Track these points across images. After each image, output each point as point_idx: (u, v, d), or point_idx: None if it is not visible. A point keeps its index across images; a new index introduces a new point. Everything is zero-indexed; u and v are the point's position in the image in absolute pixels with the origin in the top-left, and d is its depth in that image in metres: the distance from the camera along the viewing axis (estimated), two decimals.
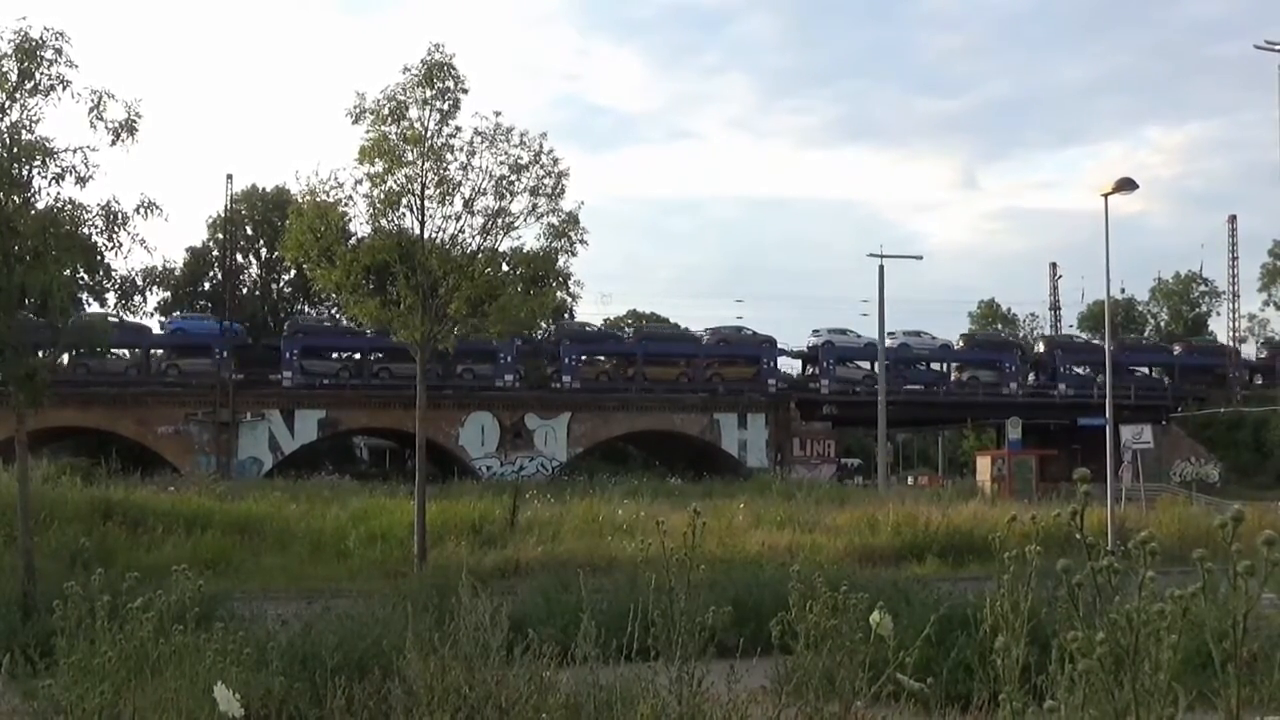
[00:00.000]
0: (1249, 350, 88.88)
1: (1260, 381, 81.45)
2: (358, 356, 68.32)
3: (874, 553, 28.79)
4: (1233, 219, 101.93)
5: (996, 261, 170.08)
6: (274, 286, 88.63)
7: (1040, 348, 79.30)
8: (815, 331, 75.08)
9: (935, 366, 77.81)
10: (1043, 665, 3.91)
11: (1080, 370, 76.44)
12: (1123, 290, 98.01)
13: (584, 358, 69.99)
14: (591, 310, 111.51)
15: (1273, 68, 37.90)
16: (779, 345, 73.77)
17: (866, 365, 72.03)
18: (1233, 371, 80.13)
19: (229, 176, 76.14)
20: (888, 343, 67.84)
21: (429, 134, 24.42)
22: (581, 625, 6.55)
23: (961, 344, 78.72)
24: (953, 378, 76.14)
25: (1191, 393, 75.27)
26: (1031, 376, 77.64)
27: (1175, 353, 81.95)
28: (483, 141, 24.84)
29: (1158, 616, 2.99)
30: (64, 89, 19.08)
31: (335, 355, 69.41)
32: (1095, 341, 77.53)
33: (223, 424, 61.30)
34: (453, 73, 24.59)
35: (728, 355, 72.09)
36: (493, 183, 24.90)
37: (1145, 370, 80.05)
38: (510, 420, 65.53)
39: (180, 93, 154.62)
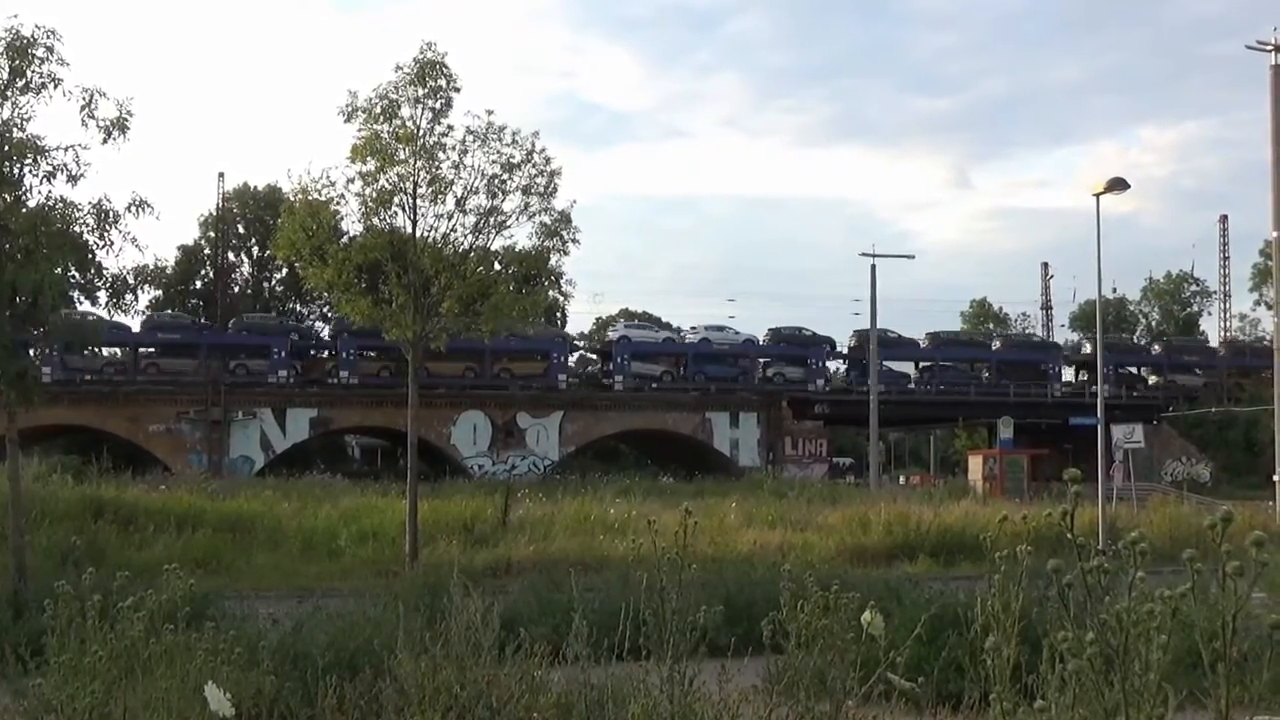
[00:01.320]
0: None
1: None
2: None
3: (865, 552, 28.77)
4: (1224, 219, 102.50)
5: (989, 261, 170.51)
6: (266, 285, 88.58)
7: (853, 342, 76.31)
8: (613, 326, 76.41)
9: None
10: (1033, 665, 3.91)
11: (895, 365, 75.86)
12: (1114, 290, 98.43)
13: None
14: (584, 309, 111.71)
15: (1265, 67, 37.93)
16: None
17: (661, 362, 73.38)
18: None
19: (221, 175, 76.76)
20: (690, 338, 70.56)
21: (421, 133, 24.44)
22: (573, 624, 6.55)
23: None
24: (759, 374, 74.60)
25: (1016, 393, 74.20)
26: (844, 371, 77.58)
27: (995, 346, 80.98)
28: (475, 140, 24.87)
29: (1148, 616, 2.99)
30: (55, 87, 19.04)
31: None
32: (907, 336, 76.87)
33: (214, 422, 61.26)
34: (445, 71, 24.61)
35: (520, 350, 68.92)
36: (485, 181, 24.93)
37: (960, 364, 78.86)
38: (502, 419, 65.53)
39: (172, 90, 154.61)
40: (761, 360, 74.78)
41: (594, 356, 76.63)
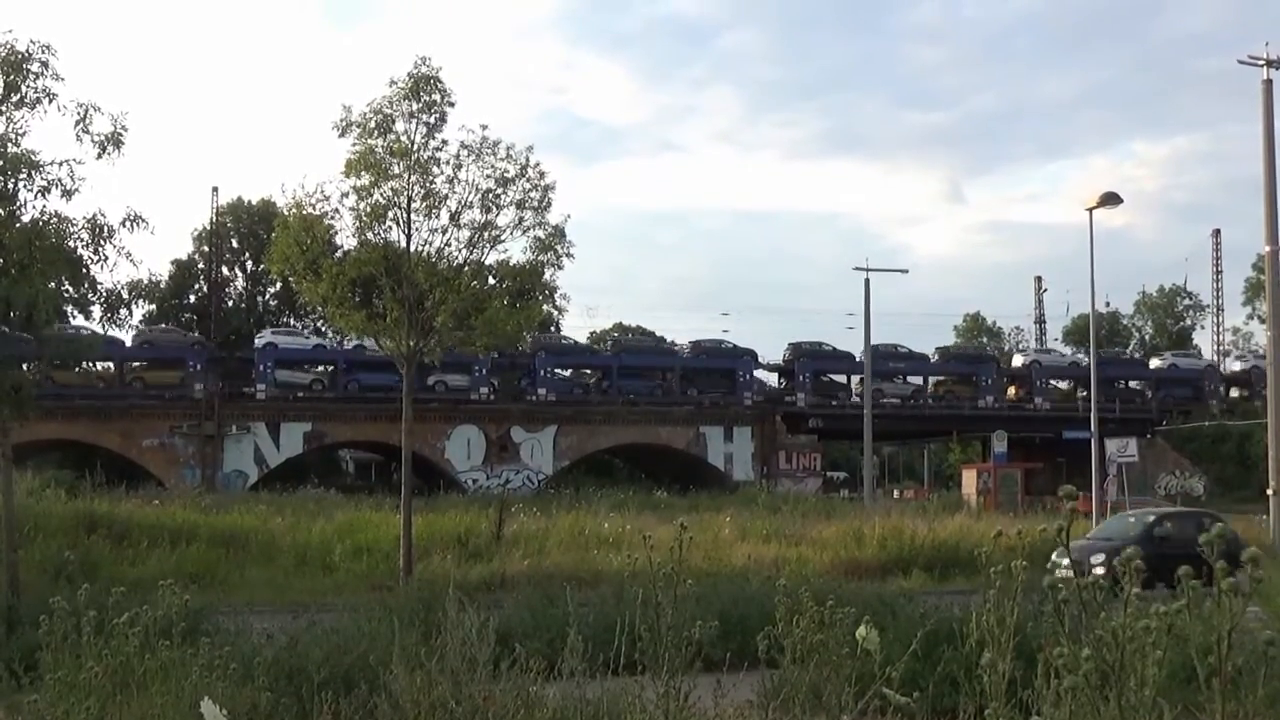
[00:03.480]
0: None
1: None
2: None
3: (860, 566, 28.76)
4: (1217, 233, 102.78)
5: (982, 274, 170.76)
6: (260, 299, 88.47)
7: (787, 354, 76.17)
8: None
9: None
10: (1029, 680, 3.92)
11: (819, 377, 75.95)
12: (1108, 304, 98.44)
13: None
14: (578, 323, 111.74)
15: (1256, 82, 38.04)
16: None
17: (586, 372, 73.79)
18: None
19: (214, 189, 76.35)
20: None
21: (415, 147, 24.41)
22: (568, 639, 6.55)
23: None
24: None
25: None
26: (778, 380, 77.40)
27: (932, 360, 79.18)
28: (469, 155, 24.83)
29: (1143, 632, 3.00)
30: (50, 102, 19.05)
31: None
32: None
33: (208, 437, 61.17)
34: (439, 86, 24.60)
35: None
36: (479, 196, 24.89)
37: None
38: (496, 433, 65.52)
39: (166, 105, 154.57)
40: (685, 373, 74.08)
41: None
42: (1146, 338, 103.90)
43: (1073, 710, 3.24)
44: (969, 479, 62.25)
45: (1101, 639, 3.06)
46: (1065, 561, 3.09)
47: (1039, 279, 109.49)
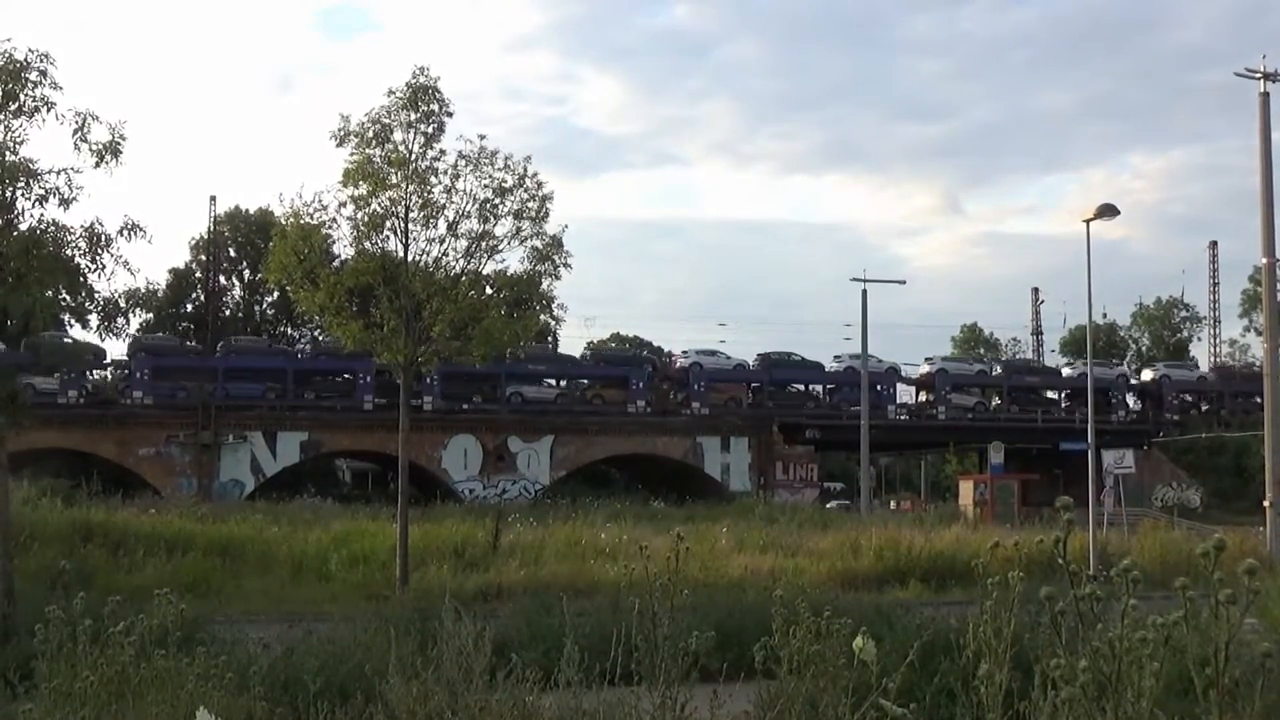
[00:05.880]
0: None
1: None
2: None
3: (857, 577, 28.74)
4: (1214, 245, 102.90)
5: (979, 286, 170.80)
6: (257, 309, 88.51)
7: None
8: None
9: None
10: (1025, 691, 3.92)
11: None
12: (1104, 315, 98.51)
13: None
14: (576, 334, 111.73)
15: (1253, 95, 38.13)
16: None
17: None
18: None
19: (212, 198, 76.38)
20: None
21: (413, 157, 24.44)
22: (564, 649, 6.54)
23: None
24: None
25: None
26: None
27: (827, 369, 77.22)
28: (467, 165, 24.87)
29: (1140, 644, 3.00)
30: (48, 111, 19.05)
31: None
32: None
33: (204, 446, 61.09)
34: (437, 96, 24.66)
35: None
36: (476, 206, 24.92)
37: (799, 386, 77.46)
38: (493, 443, 65.45)
39: (164, 114, 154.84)
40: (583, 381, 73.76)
41: None
42: (1144, 349, 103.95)
43: None
44: (966, 490, 62.26)
45: (1099, 650, 3.06)
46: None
47: (1036, 291, 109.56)
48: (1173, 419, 76.31)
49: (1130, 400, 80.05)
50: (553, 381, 72.58)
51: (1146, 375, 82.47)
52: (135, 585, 20.48)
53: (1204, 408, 79.20)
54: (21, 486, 36.40)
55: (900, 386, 76.26)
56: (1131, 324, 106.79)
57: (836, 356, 75.59)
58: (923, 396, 77.61)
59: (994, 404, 78.44)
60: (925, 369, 77.47)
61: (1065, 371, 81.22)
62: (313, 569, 29.65)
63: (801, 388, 76.75)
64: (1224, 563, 2.91)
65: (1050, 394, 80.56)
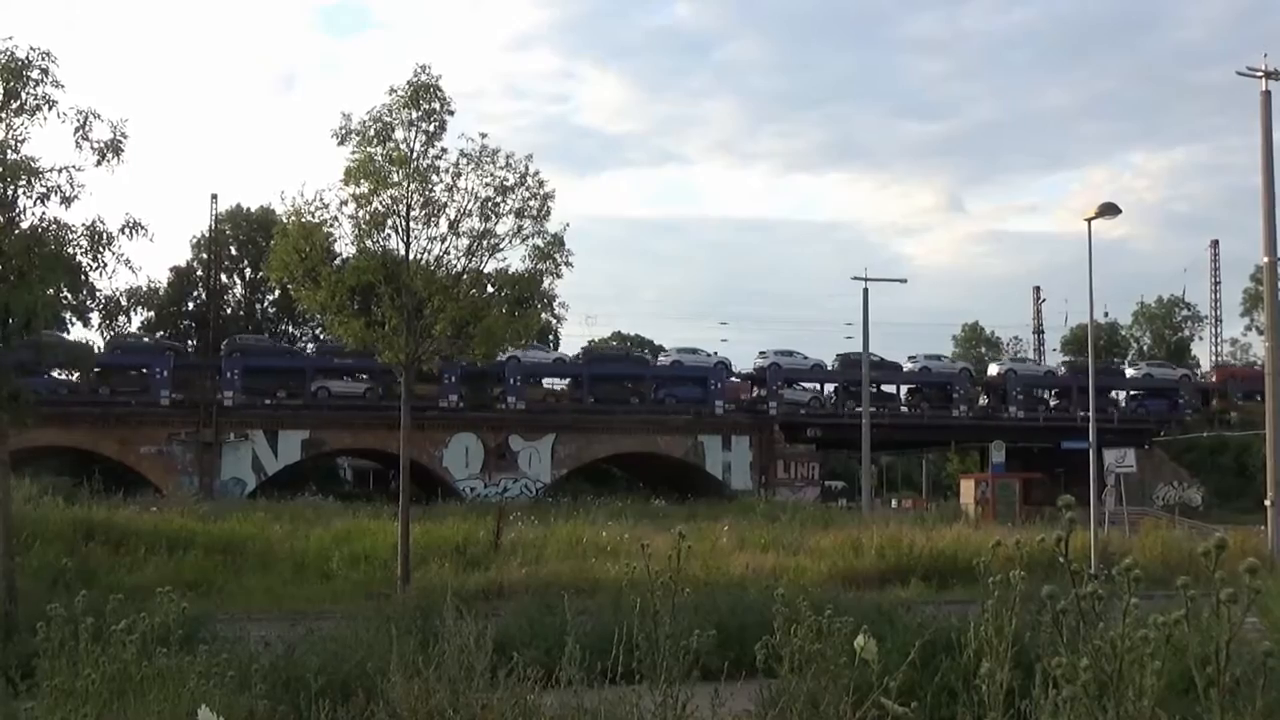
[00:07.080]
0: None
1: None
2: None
3: (858, 576, 28.73)
4: (1215, 244, 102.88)
5: (980, 285, 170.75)
6: (258, 307, 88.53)
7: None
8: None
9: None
10: (1027, 690, 3.92)
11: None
12: (1106, 314, 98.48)
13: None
14: (577, 332, 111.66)
15: (1255, 93, 38.14)
16: None
17: None
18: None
19: (214, 196, 76.09)
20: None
21: (415, 155, 24.41)
22: (566, 648, 6.54)
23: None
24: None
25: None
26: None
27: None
28: (468, 163, 24.84)
29: (1142, 642, 3.00)
30: (50, 109, 19.06)
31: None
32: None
33: (205, 444, 61.06)
34: (439, 94, 24.62)
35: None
36: (478, 204, 24.89)
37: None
38: (494, 442, 65.43)
39: (166, 112, 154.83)
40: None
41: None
42: (1145, 348, 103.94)
43: None
44: (967, 489, 62.24)
45: (1100, 649, 3.06)
46: None
47: (1038, 289, 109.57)
48: (1019, 414, 75.68)
49: (983, 398, 79.26)
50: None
51: (993, 370, 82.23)
52: (137, 583, 20.51)
53: (1053, 404, 78.73)
54: (23, 484, 36.42)
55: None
56: (1133, 323, 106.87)
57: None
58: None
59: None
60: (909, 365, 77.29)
61: (906, 366, 78.32)
62: (314, 567, 29.67)
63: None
64: (1225, 562, 2.91)
65: (888, 388, 77.54)
